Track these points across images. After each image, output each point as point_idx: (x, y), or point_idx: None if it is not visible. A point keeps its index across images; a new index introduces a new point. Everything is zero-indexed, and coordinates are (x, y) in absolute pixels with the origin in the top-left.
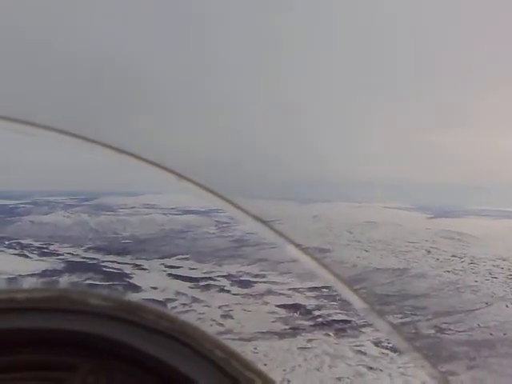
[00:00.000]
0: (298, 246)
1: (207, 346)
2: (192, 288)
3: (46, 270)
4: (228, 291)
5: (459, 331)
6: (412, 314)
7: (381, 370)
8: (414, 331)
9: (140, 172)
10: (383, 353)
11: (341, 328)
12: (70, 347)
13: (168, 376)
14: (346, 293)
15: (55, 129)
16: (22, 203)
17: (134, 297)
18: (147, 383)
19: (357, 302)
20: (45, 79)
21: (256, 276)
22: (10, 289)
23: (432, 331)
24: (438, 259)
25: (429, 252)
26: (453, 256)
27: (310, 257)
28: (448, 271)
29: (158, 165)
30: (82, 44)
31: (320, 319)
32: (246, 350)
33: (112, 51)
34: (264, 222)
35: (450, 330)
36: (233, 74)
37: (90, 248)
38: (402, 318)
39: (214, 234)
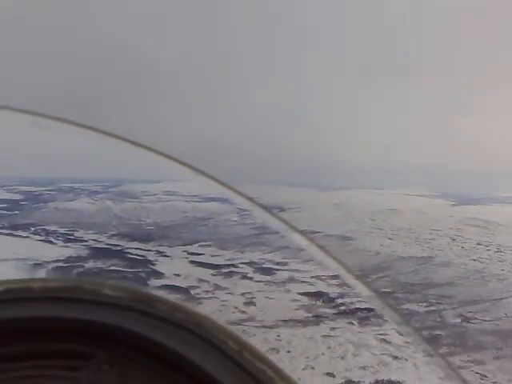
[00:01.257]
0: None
1: (220, 337)
2: (214, 275)
3: (70, 257)
4: (250, 278)
5: (485, 320)
6: (437, 303)
7: (406, 360)
8: (439, 320)
9: (159, 161)
10: (408, 342)
11: (364, 316)
12: (84, 337)
13: (181, 366)
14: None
15: (76, 122)
16: (47, 190)
17: (157, 283)
18: (160, 373)
19: (364, 290)
20: (64, 72)
21: (278, 263)
22: (25, 278)
23: (458, 320)
24: (463, 247)
25: (453, 240)
26: (478, 244)
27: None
28: (474, 259)
29: (171, 157)
30: (97, 34)
31: (343, 307)
32: (268, 338)
33: (125, 41)
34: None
35: (475, 319)
36: (246, 63)
37: (114, 235)
38: (426, 306)
39: (235, 221)
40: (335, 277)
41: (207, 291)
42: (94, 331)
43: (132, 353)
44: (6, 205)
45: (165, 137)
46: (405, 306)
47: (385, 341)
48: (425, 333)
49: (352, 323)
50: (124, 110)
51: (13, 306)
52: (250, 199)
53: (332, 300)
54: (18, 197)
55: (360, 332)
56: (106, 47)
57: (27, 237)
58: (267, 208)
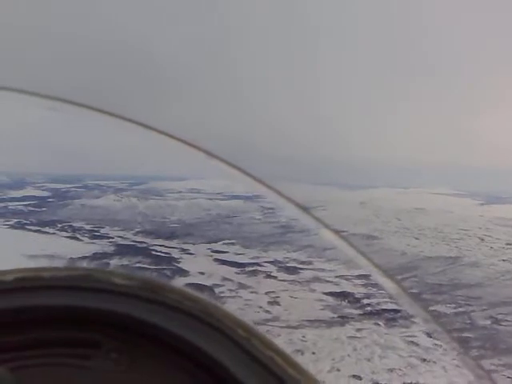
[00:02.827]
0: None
1: (229, 324)
2: (238, 274)
3: (96, 253)
4: (275, 277)
5: None
6: (466, 304)
7: (434, 362)
8: (468, 322)
9: (185, 157)
10: (436, 344)
11: (391, 317)
12: (94, 325)
13: (190, 354)
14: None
15: (111, 112)
16: (73, 187)
17: (182, 281)
18: (169, 361)
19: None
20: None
21: (302, 262)
22: (35, 267)
23: (488, 322)
24: (491, 247)
25: (482, 240)
26: (508, 244)
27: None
28: (503, 260)
29: (200, 149)
30: (110, 33)
31: (369, 308)
32: (293, 338)
33: (141, 38)
34: (306, 209)
35: (506, 321)
36: (261, 62)
37: (139, 231)
38: (455, 308)
39: (259, 219)
40: (360, 276)
41: (231, 290)
42: (104, 320)
43: (141, 341)
44: (34, 201)
45: (186, 135)
46: (433, 308)
47: (413, 343)
48: (454, 335)
49: (378, 324)
50: (139, 109)
51: (24, 295)
52: (282, 195)
53: (358, 300)
54: (45, 194)
55: (387, 333)
56: (125, 49)
57: (54, 233)
58: (299, 205)
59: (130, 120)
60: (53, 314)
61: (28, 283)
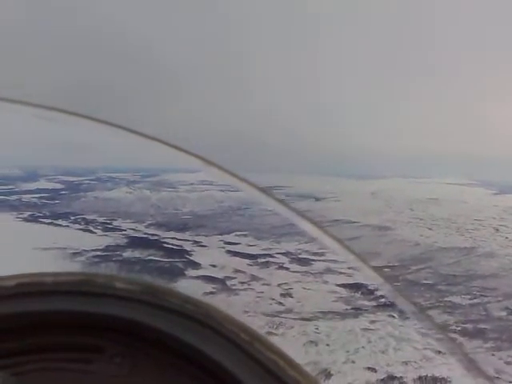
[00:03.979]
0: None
1: (231, 328)
2: (251, 265)
3: (109, 245)
4: (287, 269)
5: None
6: (481, 295)
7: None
8: (483, 313)
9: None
10: (451, 337)
11: (405, 309)
12: (96, 330)
13: (192, 358)
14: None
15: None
16: (86, 179)
17: (194, 274)
18: (172, 365)
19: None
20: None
21: (314, 254)
22: (37, 272)
23: (503, 313)
24: (507, 237)
25: (497, 230)
26: None
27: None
28: None
29: (197, 156)
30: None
31: (383, 299)
32: (307, 330)
33: (142, 41)
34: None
35: None
36: (264, 58)
37: (151, 224)
38: (470, 299)
39: (271, 211)
40: (374, 268)
41: (243, 282)
42: (106, 324)
43: (144, 345)
44: (47, 194)
45: (191, 134)
46: (448, 299)
47: (427, 335)
48: (469, 326)
49: (393, 316)
50: (140, 108)
51: (25, 300)
52: (263, 190)
53: (371, 292)
54: (58, 186)
55: (401, 325)
56: (127, 48)
57: (67, 226)
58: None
59: (124, 128)
60: (54, 319)
61: (30, 288)
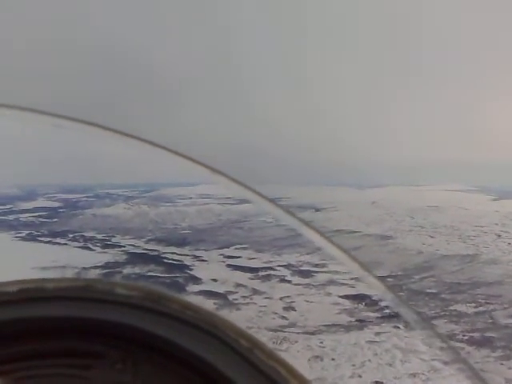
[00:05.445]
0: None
1: (232, 335)
2: (252, 279)
3: (108, 262)
4: (289, 281)
5: None
6: (486, 303)
7: None
8: (490, 321)
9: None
10: (459, 347)
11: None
12: (97, 336)
13: (193, 364)
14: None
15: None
16: (84, 196)
17: (195, 289)
18: (172, 371)
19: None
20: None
21: (316, 265)
22: (38, 278)
23: (510, 321)
24: (509, 243)
25: (499, 236)
26: None
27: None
28: None
29: (204, 165)
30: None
31: (387, 310)
32: (311, 344)
33: (140, 53)
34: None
35: None
36: (262, 67)
37: (150, 239)
38: (475, 307)
39: (271, 222)
40: (377, 278)
41: (245, 296)
42: (107, 330)
43: (145, 351)
44: (45, 212)
45: (189, 145)
46: (453, 307)
47: (434, 346)
48: (476, 335)
49: (398, 327)
50: (143, 119)
51: (27, 306)
52: (271, 200)
53: (375, 303)
54: (56, 204)
55: (407, 336)
56: (127, 61)
57: (66, 244)
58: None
59: (132, 136)
60: (55, 325)
61: (31, 294)
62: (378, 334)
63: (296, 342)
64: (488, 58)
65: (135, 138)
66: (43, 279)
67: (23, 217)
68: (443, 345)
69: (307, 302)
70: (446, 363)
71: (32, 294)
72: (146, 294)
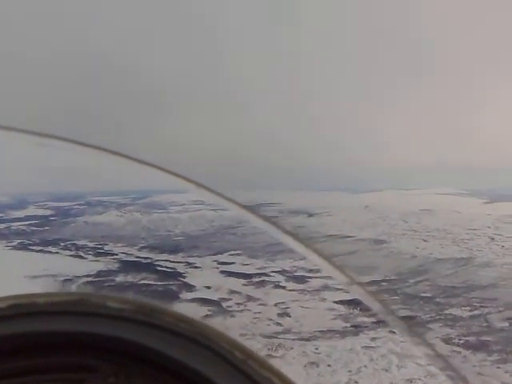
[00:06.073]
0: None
1: (226, 347)
2: (246, 285)
3: (100, 271)
4: (283, 287)
5: None
6: (481, 306)
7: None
8: (485, 324)
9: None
10: (455, 351)
11: (406, 325)
12: (89, 349)
13: (188, 377)
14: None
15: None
16: (76, 204)
17: (189, 296)
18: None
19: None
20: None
21: (310, 271)
22: (29, 293)
23: (505, 324)
24: (503, 246)
25: (492, 239)
26: None
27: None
28: None
29: (190, 180)
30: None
31: (382, 315)
32: (307, 351)
33: (132, 61)
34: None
35: None
36: (256, 74)
37: (143, 247)
38: (470, 310)
39: (263, 228)
40: (370, 283)
41: (239, 303)
42: (99, 344)
43: (137, 364)
44: (36, 221)
45: (181, 152)
46: (448, 311)
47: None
48: (472, 339)
49: (393, 332)
50: (127, 128)
51: (18, 322)
52: (251, 209)
53: (370, 308)
54: (47, 212)
55: (402, 341)
56: (115, 74)
57: (57, 252)
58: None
59: (116, 153)
60: (48, 340)
61: (22, 309)
62: (373, 339)
63: (291, 348)
64: (478, 61)
65: (120, 154)
66: (34, 294)
67: (14, 225)
68: (431, 352)
69: (302, 307)
70: (442, 368)
71: (23, 309)
72: (137, 307)
